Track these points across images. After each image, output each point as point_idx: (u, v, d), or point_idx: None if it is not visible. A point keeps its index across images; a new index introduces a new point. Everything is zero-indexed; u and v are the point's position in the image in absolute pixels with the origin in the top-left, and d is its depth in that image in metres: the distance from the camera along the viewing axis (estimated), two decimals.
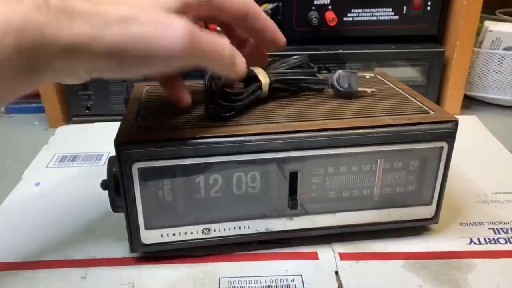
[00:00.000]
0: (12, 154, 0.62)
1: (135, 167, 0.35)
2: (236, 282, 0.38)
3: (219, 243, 0.39)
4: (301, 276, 0.38)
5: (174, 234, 0.38)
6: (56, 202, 0.48)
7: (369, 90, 0.43)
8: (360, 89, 0.43)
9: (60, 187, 0.51)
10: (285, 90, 0.43)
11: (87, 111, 0.68)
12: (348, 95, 0.43)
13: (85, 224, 0.45)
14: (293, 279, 0.38)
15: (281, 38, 0.38)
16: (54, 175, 0.53)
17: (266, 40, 0.38)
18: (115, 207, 0.39)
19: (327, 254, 0.41)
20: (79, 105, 0.68)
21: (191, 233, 0.39)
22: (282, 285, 0.37)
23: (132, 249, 0.38)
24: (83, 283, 0.38)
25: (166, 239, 0.38)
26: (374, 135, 0.37)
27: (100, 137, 0.62)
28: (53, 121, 0.70)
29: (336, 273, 0.39)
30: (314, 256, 0.40)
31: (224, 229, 0.39)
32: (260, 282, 0.38)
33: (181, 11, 0.30)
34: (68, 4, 0.25)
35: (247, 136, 0.36)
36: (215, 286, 0.37)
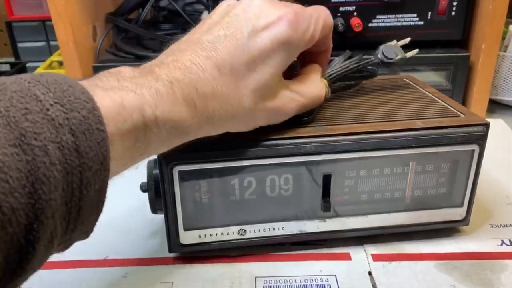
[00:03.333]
0: None
1: (176, 170, 0.36)
2: (272, 282, 0.39)
3: (254, 244, 0.40)
4: (335, 276, 0.39)
5: (211, 235, 0.39)
6: None
7: (414, 52, 0.46)
8: (408, 55, 0.45)
9: None
10: (343, 87, 0.45)
11: None
12: (399, 62, 0.45)
13: (122, 225, 0.46)
14: (327, 279, 0.39)
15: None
16: None
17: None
18: (154, 209, 0.40)
19: (360, 255, 0.41)
20: None
21: (227, 234, 0.40)
22: (317, 285, 0.38)
23: (170, 249, 0.39)
24: (124, 281, 0.39)
25: (203, 239, 0.40)
26: (407, 138, 0.38)
27: None
28: None
29: (370, 273, 0.39)
30: (347, 257, 0.41)
31: (259, 230, 0.40)
32: (295, 282, 0.39)
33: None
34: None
35: (281, 140, 0.37)
36: (251, 285, 0.38)
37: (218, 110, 0.31)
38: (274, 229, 0.40)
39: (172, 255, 0.41)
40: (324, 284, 0.38)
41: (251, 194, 0.38)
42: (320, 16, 0.35)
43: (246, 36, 0.31)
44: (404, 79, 0.51)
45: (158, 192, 0.38)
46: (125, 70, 0.29)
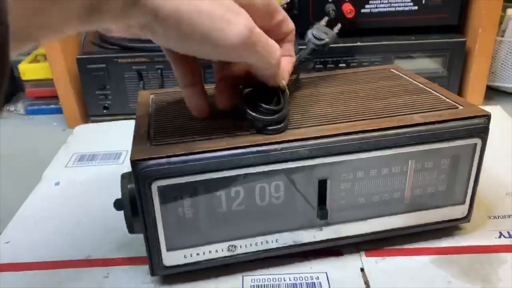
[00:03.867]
0: (31, 155, 0.62)
1: (155, 185, 0.32)
2: (259, 280, 0.37)
3: (246, 259, 0.37)
4: (326, 273, 0.38)
5: (198, 254, 0.36)
6: (76, 202, 0.48)
7: (339, 26, 0.47)
8: (335, 30, 0.45)
9: (80, 187, 0.51)
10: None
11: (104, 111, 0.68)
12: (332, 41, 0.44)
13: (105, 224, 0.44)
14: (318, 277, 0.37)
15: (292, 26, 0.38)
16: (73, 175, 0.53)
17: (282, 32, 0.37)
18: (132, 229, 0.36)
19: (352, 250, 0.40)
20: (97, 105, 0.68)
21: (216, 251, 0.36)
22: (307, 283, 0.37)
23: (153, 273, 0.36)
24: (105, 282, 0.37)
25: (189, 259, 0.36)
26: (407, 135, 0.35)
27: (118, 135, 0.62)
28: (71, 121, 0.70)
29: (362, 270, 0.38)
30: (338, 254, 0.40)
31: (250, 244, 0.37)
32: (284, 280, 0.37)
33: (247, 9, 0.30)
34: None
35: (272, 145, 0.34)
36: (238, 285, 0.37)
37: None
38: (267, 242, 0.37)
39: None
40: (314, 283, 0.37)
41: (239, 205, 0.35)
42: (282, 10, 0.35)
43: None
44: (391, 70, 0.48)
45: (136, 211, 0.34)
46: None
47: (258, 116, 0.34)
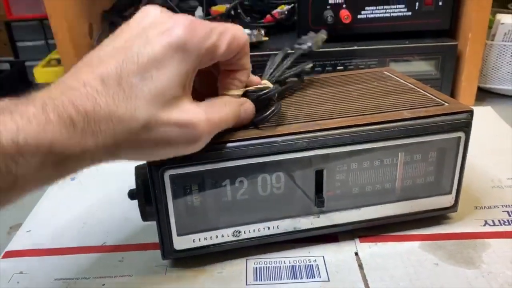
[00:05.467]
0: None
1: (167, 174, 0.36)
2: (262, 263, 0.40)
3: (250, 244, 0.40)
4: (323, 257, 0.41)
5: (205, 239, 0.39)
6: (91, 195, 0.52)
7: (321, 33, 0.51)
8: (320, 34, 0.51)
9: (94, 181, 0.54)
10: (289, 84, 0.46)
11: None
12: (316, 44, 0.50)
13: (118, 214, 0.48)
14: (315, 260, 0.40)
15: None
16: (87, 170, 0.57)
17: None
18: (145, 216, 0.40)
19: (347, 237, 0.43)
20: None
21: (222, 236, 0.39)
22: (305, 265, 0.40)
23: (164, 257, 0.39)
24: (121, 265, 0.41)
25: (198, 243, 0.39)
26: (396, 129, 0.39)
27: None
28: None
29: (356, 254, 0.41)
30: (334, 240, 0.43)
31: (253, 230, 0.40)
32: (285, 263, 0.40)
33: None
34: (94, 120, 0.28)
35: (273, 137, 0.37)
36: (242, 267, 0.40)
37: (106, 126, 0.28)
38: (269, 228, 0.40)
39: None
40: (312, 265, 0.40)
41: (243, 195, 0.38)
42: (227, 30, 0.34)
43: (137, 45, 0.30)
44: (384, 72, 0.52)
45: (149, 199, 0.37)
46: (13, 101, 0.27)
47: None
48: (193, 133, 0.32)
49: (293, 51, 0.48)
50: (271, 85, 0.40)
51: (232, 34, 0.34)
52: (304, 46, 0.49)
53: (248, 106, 0.37)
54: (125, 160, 0.31)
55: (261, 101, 0.39)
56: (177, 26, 0.30)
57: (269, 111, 0.38)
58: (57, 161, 0.27)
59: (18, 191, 0.27)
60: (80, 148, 0.27)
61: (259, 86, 0.39)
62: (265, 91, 0.38)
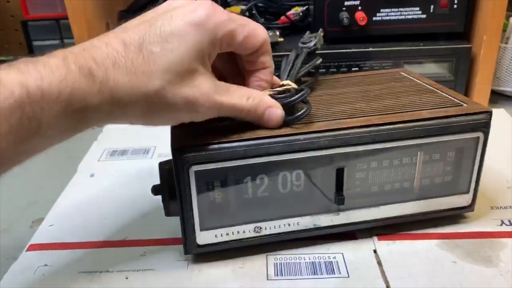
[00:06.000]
0: (64, 151, 0.67)
1: (192, 170, 0.36)
2: (282, 259, 0.41)
3: (271, 241, 0.41)
4: (342, 254, 0.41)
5: (227, 234, 0.40)
6: (111, 191, 0.53)
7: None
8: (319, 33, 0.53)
9: (113, 178, 0.55)
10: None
11: None
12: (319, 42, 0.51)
13: (139, 210, 0.49)
14: (335, 257, 0.41)
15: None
16: (106, 167, 0.58)
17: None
18: (168, 212, 0.40)
19: (365, 235, 0.44)
20: None
21: (243, 232, 0.40)
22: (325, 262, 0.40)
23: (186, 251, 0.40)
24: (143, 259, 0.41)
25: (219, 239, 0.40)
26: (415, 128, 0.39)
27: (146, 134, 0.66)
28: None
29: (375, 251, 0.42)
30: (353, 237, 0.43)
31: (274, 226, 0.41)
32: (304, 259, 0.41)
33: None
34: (111, 76, 0.30)
35: (295, 135, 0.37)
36: (263, 262, 0.41)
37: (123, 82, 0.30)
38: (289, 225, 0.41)
39: None
40: (332, 261, 0.40)
41: (264, 190, 0.39)
42: (248, 24, 0.36)
43: (161, 21, 0.32)
44: (401, 73, 0.52)
45: (173, 194, 0.38)
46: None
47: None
48: (194, 107, 0.34)
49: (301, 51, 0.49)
50: (294, 85, 0.41)
51: (252, 28, 0.36)
52: (310, 44, 0.50)
53: (275, 111, 0.38)
54: (129, 122, 0.34)
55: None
56: (200, 8, 0.33)
57: (301, 112, 0.38)
58: (76, 110, 0.29)
59: (42, 138, 0.29)
60: (97, 100, 0.30)
61: (285, 86, 0.40)
62: (298, 95, 0.39)
